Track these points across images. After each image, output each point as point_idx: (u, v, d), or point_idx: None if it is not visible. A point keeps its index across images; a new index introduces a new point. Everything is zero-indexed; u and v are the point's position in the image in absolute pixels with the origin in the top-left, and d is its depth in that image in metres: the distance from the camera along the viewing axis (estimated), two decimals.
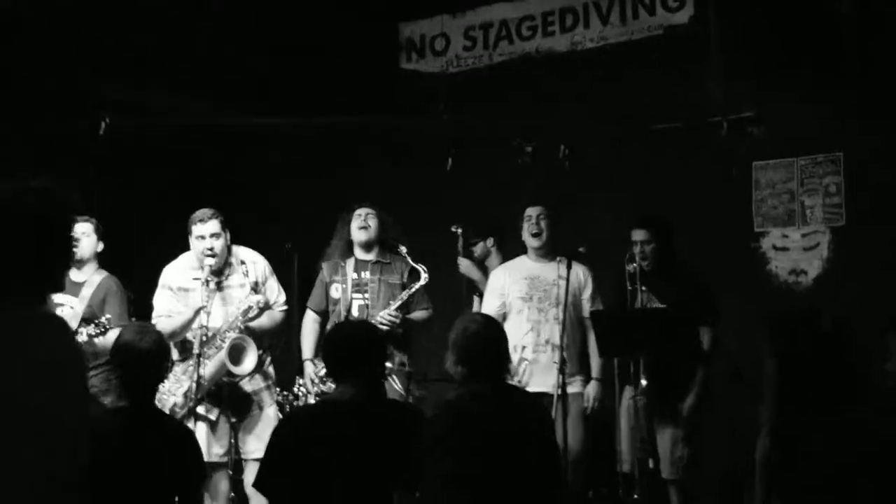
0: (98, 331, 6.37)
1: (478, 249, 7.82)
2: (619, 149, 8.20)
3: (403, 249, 6.87)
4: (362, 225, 6.92)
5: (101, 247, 6.93)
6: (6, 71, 8.34)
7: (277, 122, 9.29)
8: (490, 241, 7.79)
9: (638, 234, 6.74)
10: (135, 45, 8.67)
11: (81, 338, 6.29)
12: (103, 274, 6.86)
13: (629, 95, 8.23)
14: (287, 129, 9.36)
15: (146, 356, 4.69)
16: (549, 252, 6.88)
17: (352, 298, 6.85)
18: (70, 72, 8.61)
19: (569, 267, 6.56)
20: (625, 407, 6.65)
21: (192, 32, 8.75)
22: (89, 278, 6.81)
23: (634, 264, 6.65)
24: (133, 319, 6.77)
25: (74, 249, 6.55)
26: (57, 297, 6.57)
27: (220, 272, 6.52)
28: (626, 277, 6.66)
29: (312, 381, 6.76)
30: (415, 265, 6.82)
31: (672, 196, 7.85)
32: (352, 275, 6.91)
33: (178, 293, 6.59)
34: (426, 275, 6.79)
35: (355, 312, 6.82)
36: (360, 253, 6.97)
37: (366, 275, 6.88)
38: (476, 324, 4.87)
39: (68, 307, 6.62)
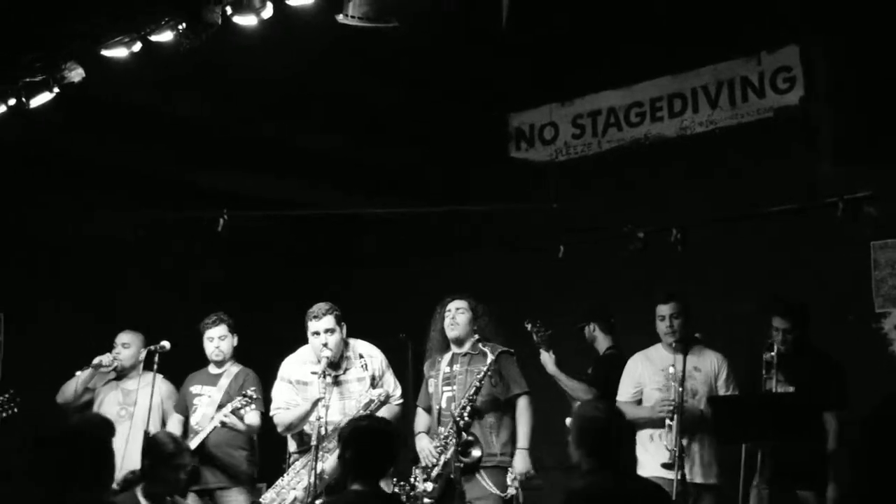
0: (244, 402, 6.84)
1: (586, 334, 7.84)
2: (733, 232, 8.13)
3: (475, 337, 6.83)
4: (451, 322, 6.95)
5: (236, 341, 7.41)
6: (124, 160, 8.70)
7: (390, 211, 9.45)
8: (592, 326, 7.80)
9: (782, 323, 6.72)
10: (252, 137, 8.95)
11: (221, 417, 6.86)
12: (239, 366, 7.36)
13: (741, 178, 8.19)
14: (399, 217, 9.51)
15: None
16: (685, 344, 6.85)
17: (442, 392, 6.86)
18: (190, 163, 8.92)
19: (685, 353, 6.55)
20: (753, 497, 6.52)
21: (305, 123, 8.99)
22: (227, 370, 7.35)
23: (773, 353, 6.60)
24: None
25: (218, 353, 7.22)
26: (195, 388, 7.31)
27: (337, 366, 6.64)
28: (762, 364, 6.61)
29: (430, 453, 6.72)
30: (484, 349, 6.73)
31: (789, 278, 7.76)
32: (444, 369, 6.93)
33: (297, 386, 6.71)
34: (492, 356, 6.67)
35: (443, 405, 6.81)
36: (454, 347, 6.99)
37: (456, 367, 6.90)
38: (599, 411, 4.88)
39: (206, 396, 7.19)
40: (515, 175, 9.49)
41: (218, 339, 7.36)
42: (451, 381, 6.88)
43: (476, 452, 6.58)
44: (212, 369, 7.39)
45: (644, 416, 6.75)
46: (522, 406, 6.79)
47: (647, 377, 6.92)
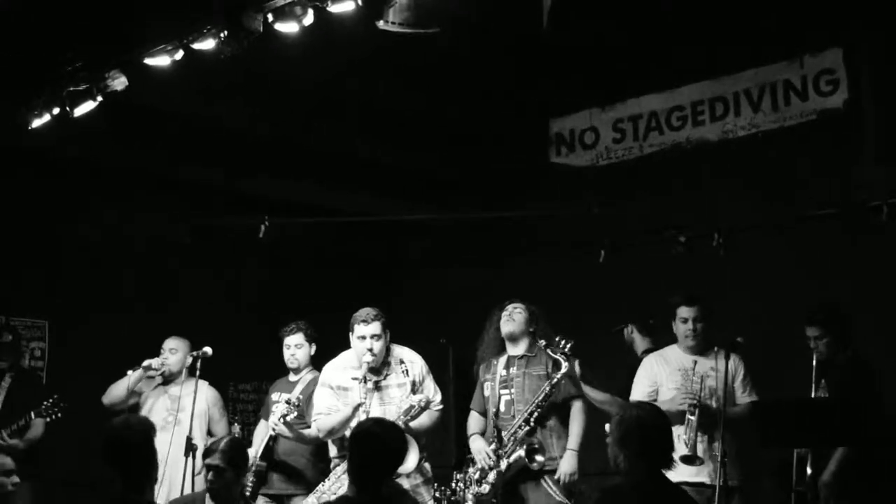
0: (288, 409, 6.88)
1: (625, 336, 7.87)
2: (776, 236, 8.08)
3: (542, 343, 6.76)
4: (507, 318, 6.92)
5: (313, 349, 7.49)
6: (167, 167, 8.78)
7: (429, 217, 9.47)
8: (630, 328, 7.82)
9: (812, 331, 6.72)
10: (294, 143, 9.00)
11: (271, 426, 7.01)
12: (315, 373, 7.32)
13: (783, 182, 8.13)
14: (438, 223, 9.53)
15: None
16: (703, 347, 6.83)
17: (500, 395, 6.84)
18: (233, 169, 8.99)
19: (727, 358, 6.52)
20: None
21: (346, 129, 9.03)
22: (302, 377, 7.43)
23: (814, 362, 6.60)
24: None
25: (293, 360, 7.38)
26: (275, 395, 7.42)
27: (378, 371, 6.66)
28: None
29: (488, 455, 6.70)
30: (554, 355, 6.69)
31: (831, 282, 7.69)
32: (501, 371, 6.90)
33: (338, 392, 6.72)
34: (566, 364, 6.64)
35: (502, 408, 6.79)
36: (510, 348, 6.95)
37: (513, 370, 6.86)
38: (643, 412, 4.84)
39: (282, 404, 7.10)
40: (556, 180, 9.48)
41: (294, 347, 7.45)
42: (508, 384, 6.84)
43: (540, 458, 6.54)
44: (290, 377, 7.50)
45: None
46: (577, 409, 6.75)
47: (663, 377, 6.87)
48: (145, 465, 4.77)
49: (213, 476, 5.89)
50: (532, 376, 6.76)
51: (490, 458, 6.66)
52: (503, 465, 6.62)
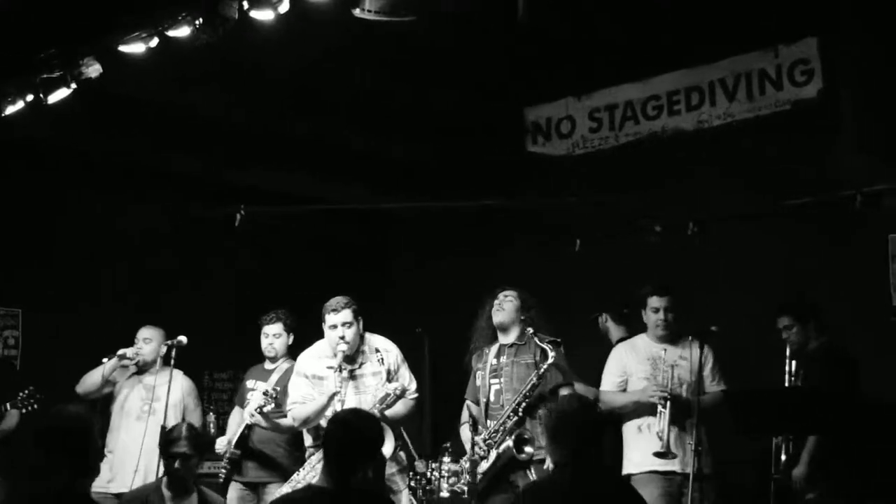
0: (265, 401, 6.87)
1: (600, 325, 7.96)
2: (750, 225, 8.11)
3: (529, 330, 6.71)
4: (497, 308, 6.88)
5: (291, 339, 7.50)
6: (160, 159, 8.75)
7: (403, 206, 9.46)
8: (604, 317, 7.87)
9: (782, 321, 6.77)
10: (279, 135, 8.97)
11: (248, 417, 7.05)
12: (291, 363, 7.26)
13: (758, 171, 8.16)
14: (413, 213, 9.53)
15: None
16: (673, 336, 6.86)
17: (490, 384, 6.80)
18: (213, 160, 8.96)
19: (701, 347, 6.57)
20: None
21: (323, 119, 9.02)
22: (279, 366, 7.44)
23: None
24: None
25: (271, 349, 7.41)
26: (250, 383, 7.44)
27: (353, 360, 6.64)
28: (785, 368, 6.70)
29: (477, 445, 6.60)
30: (542, 344, 6.63)
31: (805, 271, 7.74)
32: (491, 361, 6.86)
33: (314, 381, 6.70)
34: (553, 353, 6.57)
35: (492, 398, 6.74)
36: (501, 337, 6.91)
37: (503, 359, 6.82)
38: (573, 405, 4.85)
39: (259, 392, 7.11)
40: (532, 169, 9.48)
41: (272, 336, 7.46)
42: (497, 373, 6.80)
43: (529, 448, 6.48)
44: (266, 365, 7.50)
45: (633, 400, 6.71)
46: None
47: (632, 366, 6.88)
48: (85, 455, 4.72)
49: (180, 463, 5.96)
50: (520, 365, 6.71)
51: (481, 447, 6.64)
52: (492, 455, 6.56)
